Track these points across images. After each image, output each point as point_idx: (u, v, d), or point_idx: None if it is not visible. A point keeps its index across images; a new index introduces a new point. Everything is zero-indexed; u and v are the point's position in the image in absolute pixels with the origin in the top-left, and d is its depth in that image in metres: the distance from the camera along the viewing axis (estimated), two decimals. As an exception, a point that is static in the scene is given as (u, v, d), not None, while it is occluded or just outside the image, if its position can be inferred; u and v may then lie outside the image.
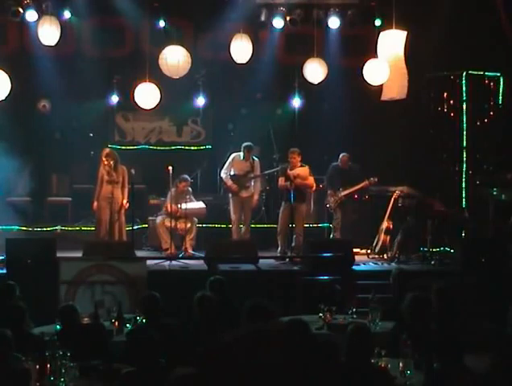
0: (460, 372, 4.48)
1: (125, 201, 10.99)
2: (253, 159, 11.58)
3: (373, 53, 11.24)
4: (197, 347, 5.21)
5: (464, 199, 12.43)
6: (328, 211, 12.20)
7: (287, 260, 10.92)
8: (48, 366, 4.89)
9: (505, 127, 12.60)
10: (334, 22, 12.02)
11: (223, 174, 11.60)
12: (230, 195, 11.53)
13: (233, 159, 11.55)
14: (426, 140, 12.97)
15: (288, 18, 11.96)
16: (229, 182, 11.43)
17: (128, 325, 6.70)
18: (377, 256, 11.41)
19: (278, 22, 12.02)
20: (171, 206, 11.20)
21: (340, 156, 11.97)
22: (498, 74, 12.70)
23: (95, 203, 11.01)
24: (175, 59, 10.92)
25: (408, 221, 11.37)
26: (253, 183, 11.61)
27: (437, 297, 6.28)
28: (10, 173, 12.12)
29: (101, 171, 11.00)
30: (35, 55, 12.06)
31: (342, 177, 11.87)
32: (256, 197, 11.65)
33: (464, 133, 12.56)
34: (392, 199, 11.42)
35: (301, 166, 11.10)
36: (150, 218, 12.04)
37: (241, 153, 11.50)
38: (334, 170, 12.02)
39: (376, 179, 11.67)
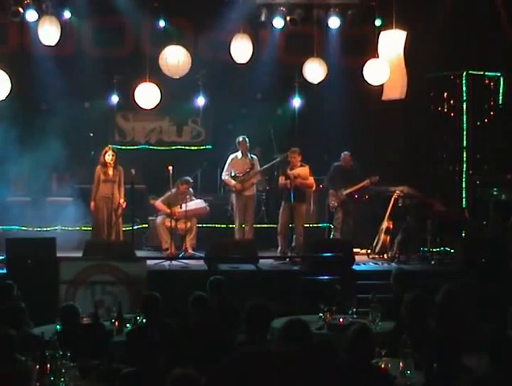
0: (460, 372, 4.48)
1: (122, 200, 10.98)
2: (251, 157, 11.58)
3: (373, 53, 11.25)
4: (195, 348, 5.23)
5: (464, 199, 12.44)
6: (328, 211, 12.20)
7: (287, 260, 10.92)
8: (48, 366, 4.89)
9: (505, 127, 12.61)
10: (334, 22, 12.02)
11: (224, 176, 11.58)
12: (234, 194, 11.53)
13: (231, 160, 11.55)
14: (426, 140, 12.98)
15: (288, 18, 11.96)
16: (233, 183, 11.42)
17: (128, 325, 6.70)
18: (377, 256, 11.41)
19: (278, 22, 12.03)
20: (169, 207, 11.19)
21: (342, 154, 11.97)
22: (498, 74, 12.72)
23: (92, 204, 11.00)
24: (175, 59, 10.92)
25: (408, 221, 11.36)
26: (254, 181, 11.61)
27: (445, 297, 6.27)
28: (10, 173, 12.12)
29: (97, 171, 10.96)
30: (35, 55, 12.07)
31: (343, 177, 11.87)
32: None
33: (464, 133, 12.57)
34: (392, 199, 11.42)
35: (301, 165, 11.11)
36: (150, 218, 12.04)
37: (238, 153, 11.51)
38: (335, 170, 12.01)
39: (377, 177, 11.67)
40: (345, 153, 11.98)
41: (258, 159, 11.69)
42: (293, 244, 10.98)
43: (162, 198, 11.46)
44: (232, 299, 7.04)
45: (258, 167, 11.61)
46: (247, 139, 11.47)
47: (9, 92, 10.81)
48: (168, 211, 11.21)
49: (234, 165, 11.50)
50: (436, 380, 4.55)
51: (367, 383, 4.54)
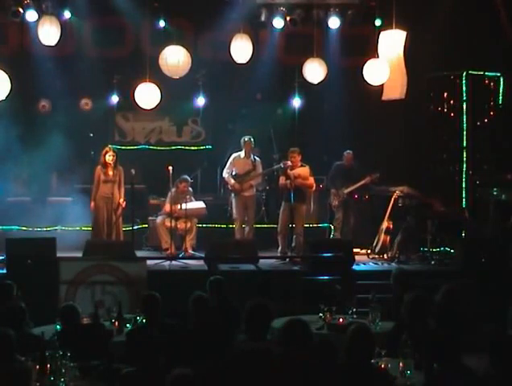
0: (460, 372, 4.48)
1: (122, 200, 10.97)
2: (254, 159, 11.58)
3: (373, 53, 11.24)
4: (195, 348, 5.23)
5: (464, 199, 12.44)
6: (329, 211, 12.21)
7: (287, 260, 10.91)
8: (48, 366, 4.89)
9: (505, 127, 12.61)
10: (334, 22, 12.03)
11: (225, 175, 11.58)
12: (233, 194, 11.52)
13: (233, 159, 11.54)
14: (426, 140, 12.98)
15: (288, 18, 11.97)
16: (232, 182, 11.42)
17: (128, 325, 6.70)
18: (377, 256, 11.41)
19: (278, 22, 12.03)
20: (170, 206, 11.21)
21: (345, 153, 12.00)
22: (498, 74, 12.72)
23: (92, 204, 11.00)
24: (175, 59, 10.92)
25: (408, 221, 11.37)
26: (254, 183, 11.61)
27: (445, 297, 6.28)
28: (10, 172, 12.11)
29: (97, 171, 10.96)
30: (35, 55, 12.07)
31: (345, 176, 11.89)
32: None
33: (464, 133, 12.57)
34: (392, 199, 11.42)
35: (301, 165, 11.10)
36: (150, 218, 12.04)
37: (242, 152, 11.50)
38: (337, 169, 12.03)
39: (378, 175, 11.69)
40: (348, 152, 12.00)
41: (260, 160, 11.68)
42: (293, 244, 10.98)
43: (167, 200, 11.45)
44: (232, 299, 7.05)
45: (259, 169, 11.61)
46: (252, 140, 11.47)
47: (9, 92, 10.80)
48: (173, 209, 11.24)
49: (236, 164, 11.50)
50: (436, 380, 4.56)
51: (367, 383, 4.54)
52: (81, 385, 4.96)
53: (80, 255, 9.93)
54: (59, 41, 11.24)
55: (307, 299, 8.68)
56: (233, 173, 11.44)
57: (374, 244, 11.50)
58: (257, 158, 11.64)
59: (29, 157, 12.16)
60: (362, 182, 11.80)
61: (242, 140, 11.48)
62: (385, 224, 11.43)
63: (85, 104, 13.31)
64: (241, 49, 11.27)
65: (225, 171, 11.60)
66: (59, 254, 9.68)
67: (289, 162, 11.07)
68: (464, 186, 12.51)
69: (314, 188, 11.46)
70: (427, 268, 10.74)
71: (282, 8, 11.95)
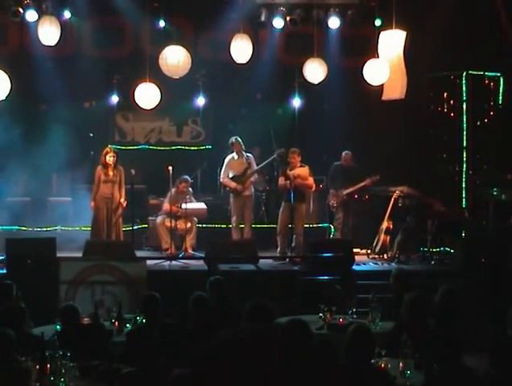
0: (460, 372, 4.48)
1: (122, 200, 10.95)
2: (247, 156, 11.58)
3: (373, 53, 11.24)
4: (194, 348, 5.23)
5: (464, 199, 12.44)
6: (329, 211, 12.21)
7: (287, 260, 10.91)
8: (48, 366, 4.89)
9: (505, 127, 12.61)
10: (334, 22, 12.03)
11: (223, 179, 11.56)
12: (231, 195, 11.52)
13: (228, 161, 11.55)
14: (426, 140, 12.99)
15: (288, 18, 11.98)
16: (234, 185, 11.40)
17: (128, 325, 6.70)
18: (377, 256, 11.41)
19: (278, 22, 12.04)
20: (170, 206, 11.21)
21: (344, 154, 11.99)
22: (498, 74, 12.72)
23: (92, 204, 11.00)
24: (175, 59, 10.92)
25: (408, 221, 11.37)
26: (252, 180, 11.62)
27: (444, 297, 6.28)
28: (10, 173, 12.12)
29: (97, 171, 10.96)
30: (35, 55, 12.08)
31: (344, 176, 11.88)
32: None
33: (464, 133, 12.57)
34: (392, 199, 11.42)
35: (301, 166, 11.11)
36: (150, 218, 12.04)
37: (234, 154, 11.51)
38: (336, 170, 12.03)
39: (378, 177, 11.68)
40: (347, 152, 11.99)
41: (254, 158, 11.68)
42: (293, 244, 10.97)
43: (166, 199, 11.45)
44: (232, 299, 7.05)
45: (254, 166, 11.61)
46: (240, 139, 11.47)
47: (9, 92, 10.80)
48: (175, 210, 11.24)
49: (232, 166, 11.50)
50: (436, 380, 4.56)
51: (367, 383, 4.54)
52: (81, 385, 4.96)
53: (80, 255, 9.93)
54: (59, 41, 11.23)
55: (307, 299, 8.67)
56: (231, 175, 11.44)
57: (374, 244, 11.50)
58: (249, 155, 11.64)
59: (29, 157, 12.16)
60: (362, 184, 11.79)
61: (230, 142, 11.50)
62: (385, 224, 11.43)
63: (88, 103, 13.36)
64: (241, 49, 11.27)
65: (221, 176, 11.59)
66: (59, 254, 9.68)
67: (282, 149, 11.08)
68: (464, 186, 12.51)
69: (313, 188, 11.46)
70: (427, 268, 10.74)
71: (282, 8, 11.95)
